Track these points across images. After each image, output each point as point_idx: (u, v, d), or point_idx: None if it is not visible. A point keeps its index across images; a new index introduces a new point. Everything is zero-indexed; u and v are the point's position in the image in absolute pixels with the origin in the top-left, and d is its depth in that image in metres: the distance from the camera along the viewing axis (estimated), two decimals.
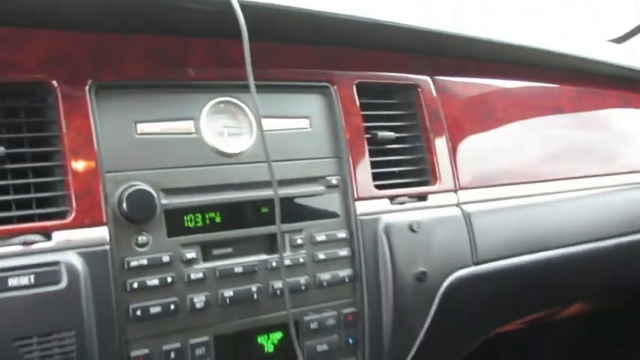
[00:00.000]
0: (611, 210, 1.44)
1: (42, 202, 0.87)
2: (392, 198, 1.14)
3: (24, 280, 0.81)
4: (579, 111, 1.53)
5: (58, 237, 0.85)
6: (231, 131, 1.02)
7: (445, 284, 1.14)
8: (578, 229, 1.36)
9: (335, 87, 1.12)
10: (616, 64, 1.58)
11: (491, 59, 1.37)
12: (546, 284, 1.31)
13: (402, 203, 1.14)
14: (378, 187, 1.13)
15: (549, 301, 1.41)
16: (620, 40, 1.89)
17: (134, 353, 0.90)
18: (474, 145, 1.28)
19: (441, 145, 1.22)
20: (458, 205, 1.20)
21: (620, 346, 1.97)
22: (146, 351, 0.91)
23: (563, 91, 1.51)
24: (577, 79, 1.53)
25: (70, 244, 0.86)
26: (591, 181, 1.45)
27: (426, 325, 1.13)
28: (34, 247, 0.84)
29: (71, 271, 0.84)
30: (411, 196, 1.16)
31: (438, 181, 1.20)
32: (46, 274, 0.83)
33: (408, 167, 1.20)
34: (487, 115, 1.34)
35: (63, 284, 0.83)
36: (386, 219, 1.10)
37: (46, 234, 0.85)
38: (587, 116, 1.55)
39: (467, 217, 1.19)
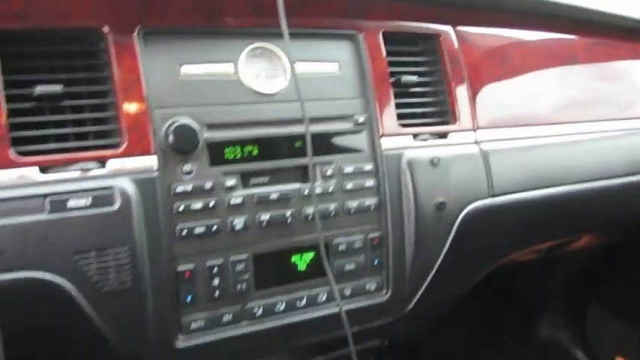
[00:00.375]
0: (619, 151, 1.42)
1: (97, 135, 0.91)
2: (414, 135, 1.14)
3: (82, 202, 0.85)
4: (593, 61, 1.50)
5: (112, 165, 0.89)
6: (267, 74, 1.03)
7: (462, 214, 1.15)
8: (589, 168, 1.35)
9: (362, 35, 1.12)
10: (631, 18, 1.54)
11: (509, 10, 1.36)
12: (556, 217, 1.31)
13: (424, 140, 1.15)
14: (401, 125, 1.13)
15: (559, 232, 1.41)
16: None
17: (181, 268, 0.94)
18: (491, 90, 1.28)
19: (460, 89, 1.22)
20: (476, 142, 1.21)
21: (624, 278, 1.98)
22: (191, 266, 0.95)
23: (578, 41, 1.48)
24: (592, 30, 1.50)
25: (122, 172, 0.89)
26: (602, 125, 1.43)
27: (444, 250, 1.14)
28: (91, 173, 0.87)
29: (123, 194, 0.87)
30: (432, 134, 1.17)
31: (458, 120, 1.20)
32: (102, 197, 0.86)
33: (429, 108, 1.20)
34: (504, 62, 1.32)
35: (116, 206, 0.87)
36: (409, 154, 1.11)
37: (101, 162, 0.88)
38: (600, 66, 1.53)
39: (484, 154, 1.19)
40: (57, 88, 0.87)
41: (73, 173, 0.86)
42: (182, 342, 0.95)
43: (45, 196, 0.83)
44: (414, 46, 1.22)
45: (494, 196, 1.19)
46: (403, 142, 1.13)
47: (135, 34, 0.93)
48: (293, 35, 0.97)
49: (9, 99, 0.84)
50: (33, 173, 0.84)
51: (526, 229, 1.29)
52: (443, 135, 1.18)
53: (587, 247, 1.60)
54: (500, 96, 1.29)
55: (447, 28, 1.25)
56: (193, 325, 0.96)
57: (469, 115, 1.22)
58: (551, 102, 1.38)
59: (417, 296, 1.15)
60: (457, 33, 1.26)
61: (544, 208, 1.27)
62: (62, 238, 0.83)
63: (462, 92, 1.22)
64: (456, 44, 1.25)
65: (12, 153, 0.83)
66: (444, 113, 1.21)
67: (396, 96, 1.14)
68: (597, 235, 1.57)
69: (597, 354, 2.12)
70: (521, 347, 2.26)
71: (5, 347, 0.41)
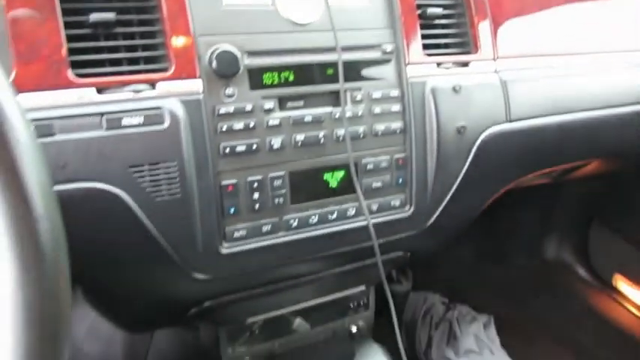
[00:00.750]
0: (632, 81, 1.39)
1: (147, 60, 0.91)
2: (438, 64, 1.12)
3: (135, 120, 0.86)
4: None
5: (161, 87, 0.89)
6: (302, 5, 1.01)
7: (481, 137, 1.14)
8: (602, 96, 1.33)
9: None
10: None
11: None
12: (568, 142, 1.29)
13: (447, 68, 1.13)
14: (426, 54, 1.11)
15: (569, 157, 1.40)
16: None
17: (225, 182, 0.95)
18: (511, 22, 1.24)
19: (482, 20, 1.19)
20: (496, 71, 1.19)
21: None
22: (234, 181, 0.96)
23: None
24: None
25: (170, 93, 0.89)
26: (618, 56, 1.39)
27: (463, 171, 1.14)
28: (142, 94, 0.88)
29: (172, 114, 0.88)
30: (454, 62, 1.15)
31: (479, 50, 1.18)
32: (153, 116, 0.87)
33: (453, 39, 1.17)
34: None
35: (166, 124, 0.88)
36: (432, 81, 1.10)
37: (152, 84, 0.89)
38: (620, 1, 1.47)
39: (503, 82, 1.18)
40: (110, 15, 0.87)
41: (126, 94, 0.87)
42: (226, 249, 0.98)
43: (102, 114, 0.84)
44: None
45: (511, 121, 1.18)
46: (427, 71, 1.11)
47: None
48: None
49: (67, 25, 0.84)
50: (90, 94, 0.85)
51: (539, 153, 1.28)
52: (465, 64, 1.16)
53: (596, 172, 1.59)
54: (519, 28, 1.26)
55: None
56: (236, 234, 0.98)
57: (490, 46, 1.20)
58: (568, 34, 1.34)
59: (437, 212, 1.15)
60: None
61: (557, 134, 1.26)
62: (118, 152, 0.85)
63: (483, 24, 1.19)
64: None
65: (71, 75, 0.83)
66: (466, 44, 1.19)
67: (422, 27, 1.12)
68: (606, 161, 1.55)
69: (599, 272, 2.15)
70: (527, 265, 2.30)
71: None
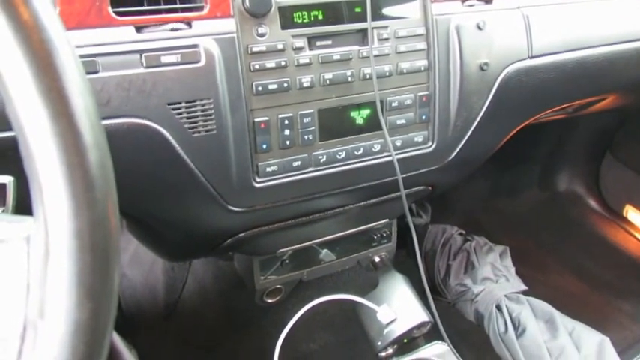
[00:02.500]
0: None
1: (183, 0, 0.90)
2: (463, 1, 1.10)
3: (173, 58, 0.86)
4: None
5: (197, 26, 0.88)
6: None
7: (504, 73, 1.13)
8: (618, 30, 1.29)
9: None
10: None
11: None
12: (588, 76, 1.27)
13: (471, 6, 1.11)
14: None
15: (588, 91, 1.38)
16: None
17: (257, 119, 0.96)
18: None
19: None
20: (519, 8, 1.16)
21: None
22: (266, 118, 0.97)
23: None
24: None
25: (206, 32, 0.89)
26: None
27: (485, 106, 1.13)
28: (179, 33, 0.87)
29: (208, 52, 0.88)
30: None
31: None
32: (189, 54, 0.87)
33: None
34: None
35: (202, 62, 0.88)
36: (457, 18, 1.08)
37: (188, 23, 0.88)
38: None
39: (526, 19, 1.15)
40: None
41: (164, 33, 0.86)
42: (259, 183, 0.99)
43: (141, 52, 0.84)
44: None
45: (532, 57, 1.16)
46: (452, 8, 1.09)
47: None
48: None
49: None
50: (130, 32, 0.84)
51: (559, 88, 1.26)
52: (488, 1, 1.14)
53: (611, 106, 1.57)
54: None
55: None
56: (268, 169, 0.99)
57: None
58: None
59: (459, 148, 1.16)
60: None
61: (577, 69, 1.24)
62: (157, 90, 0.85)
63: None
64: None
65: (111, 12, 0.83)
66: None
67: None
68: (622, 96, 1.53)
69: (609, 203, 2.16)
70: (540, 196, 2.30)
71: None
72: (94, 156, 0.41)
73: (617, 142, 2.12)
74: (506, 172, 2.27)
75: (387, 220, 1.39)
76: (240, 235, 1.13)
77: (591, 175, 2.22)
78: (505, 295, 1.49)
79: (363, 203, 1.21)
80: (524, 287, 1.56)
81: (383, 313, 1.26)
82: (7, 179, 0.60)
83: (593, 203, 2.19)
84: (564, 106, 1.39)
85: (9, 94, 0.40)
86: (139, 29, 0.85)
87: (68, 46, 0.42)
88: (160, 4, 0.87)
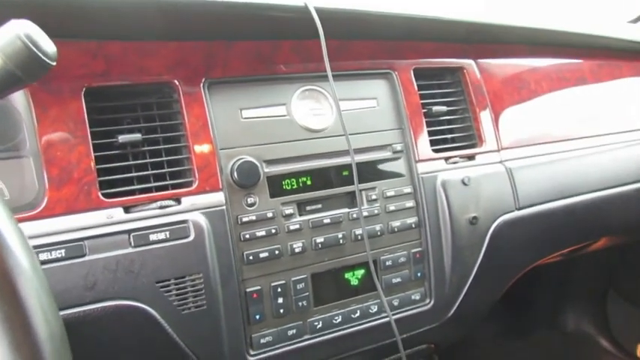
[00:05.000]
0: (630, 160, 1.36)
1: (173, 175, 0.89)
2: (446, 159, 1.11)
3: (161, 236, 0.84)
4: (600, 81, 1.45)
5: (186, 201, 0.87)
6: (315, 112, 1.02)
7: (493, 226, 1.11)
8: (603, 177, 1.30)
9: (396, 73, 1.10)
10: (633, 40, 1.49)
11: (524, 42, 1.32)
12: (576, 224, 1.25)
13: (455, 162, 1.12)
14: (434, 150, 1.10)
15: (579, 237, 1.36)
16: (637, 20, 1.79)
17: (249, 289, 0.92)
18: (512, 113, 1.24)
19: (485, 114, 1.19)
20: (501, 162, 1.17)
21: None
22: (258, 287, 0.93)
23: (585, 64, 1.43)
24: (598, 54, 1.45)
25: (195, 207, 0.88)
26: (612, 137, 1.38)
27: (479, 260, 1.10)
28: (168, 209, 0.86)
29: (197, 227, 0.86)
30: (461, 156, 1.13)
31: (484, 143, 1.17)
32: (178, 230, 0.85)
33: (458, 134, 1.17)
34: (521, 87, 1.28)
35: (191, 237, 0.85)
36: (442, 176, 1.08)
37: (177, 199, 0.87)
38: (606, 84, 1.47)
39: (509, 171, 1.16)
40: (137, 136, 0.86)
41: (153, 211, 0.85)
42: (253, 356, 0.93)
43: (129, 232, 0.82)
44: (441, 80, 1.19)
45: (520, 208, 1.15)
46: (437, 166, 1.10)
47: (201, 84, 0.92)
48: (336, 77, 0.98)
49: (96, 148, 0.84)
50: (118, 213, 0.83)
51: (550, 236, 1.24)
52: (471, 157, 1.15)
53: (605, 247, 1.54)
54: (519, 118, 1.25)
55: (470, 62, 1.21)
56: (262, 340, 0.94)
57: (494, 138, 1.19)
58: (564, 120, 1.33)
59: (457, 302, 1.11)
60: (478, 65, 1.22)
61: (565, 217, 1.22)
62: (145, 269, 0.82)
63: (486, 117, 1.19)
64: (478, 75, 1.21)
65: (100, 196, 0.82)
66: (471, 137, 1.18)
67: (429, 125, 1.11)
68: (614, 237, 1.50)
69: (621, 343, 2.04)
70: (549, 338, 2.19)
71: None
72: (49, 348, 0.40)
73: (620, 278, 2.05)
74: (511, 313, 2.18)
75: None
76: None
77: (599, 312, 2.12)
78: None
79: None
80: None
81: None
82: None
83: (604, 343, 2.07)
84: (557, 254, 1.36)
85: None
86: (127, 209, 0.84)
87: (19, 242, 0.42)
88: (149, 182, 0.87)
